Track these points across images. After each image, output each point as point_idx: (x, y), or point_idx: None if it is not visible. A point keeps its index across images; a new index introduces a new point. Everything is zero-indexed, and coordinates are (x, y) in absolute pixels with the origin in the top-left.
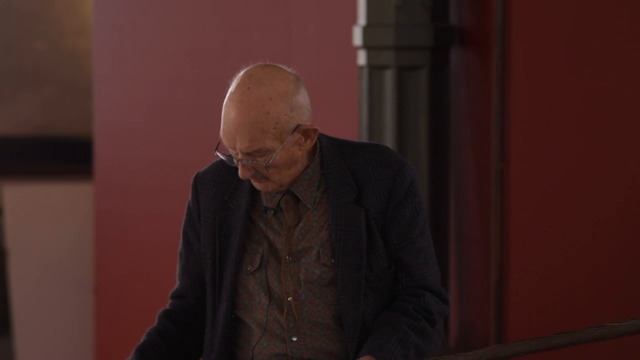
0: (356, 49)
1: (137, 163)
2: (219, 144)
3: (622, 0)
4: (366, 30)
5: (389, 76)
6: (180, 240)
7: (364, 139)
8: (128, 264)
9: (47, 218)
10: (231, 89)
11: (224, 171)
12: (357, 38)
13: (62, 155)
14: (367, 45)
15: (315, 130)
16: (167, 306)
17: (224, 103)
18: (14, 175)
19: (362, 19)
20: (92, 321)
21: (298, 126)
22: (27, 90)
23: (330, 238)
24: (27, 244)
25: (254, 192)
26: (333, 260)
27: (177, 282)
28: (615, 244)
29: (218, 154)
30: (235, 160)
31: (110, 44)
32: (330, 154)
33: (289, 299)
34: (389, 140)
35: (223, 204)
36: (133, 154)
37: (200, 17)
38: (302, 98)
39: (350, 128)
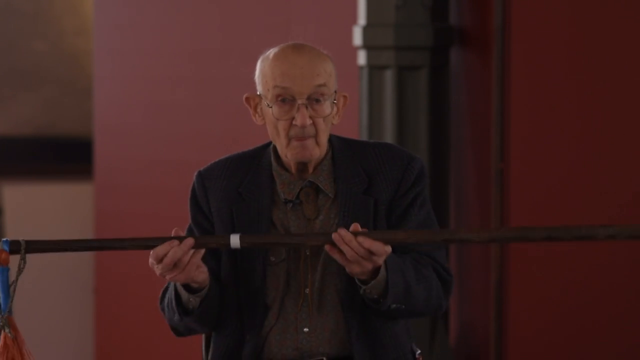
0: (356, 49)
1: (137, 163)
2: (268, 104)
3: (622, 0)
4: (366, 30)
5: (389, 76)
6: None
7: (364, 139)
8: (128, 264)
9: (47, 218)
10: (273, 50)
11: (233, 166)
12: (357, 38)
13: (62, 155)
14: (367, 45)
15: (346, 98)
16: None
17: (271, 60)
18: (14, 175)
19: (362, 19)
20: (92, 321)
21: (335, 91)
22: (27, 90)
23: (338, 224)
24: None
25: (272, 186)
26: None
27: None
28: (615, 243)
29: (268, 104)
30: (291, 111)
31: (110, 44)
32: (340, 147)
33: (306, 290)
34: (388, 140)
35: (237, 195)
36: (133, 154)
37: (200, 17)
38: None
39: (350, 128)
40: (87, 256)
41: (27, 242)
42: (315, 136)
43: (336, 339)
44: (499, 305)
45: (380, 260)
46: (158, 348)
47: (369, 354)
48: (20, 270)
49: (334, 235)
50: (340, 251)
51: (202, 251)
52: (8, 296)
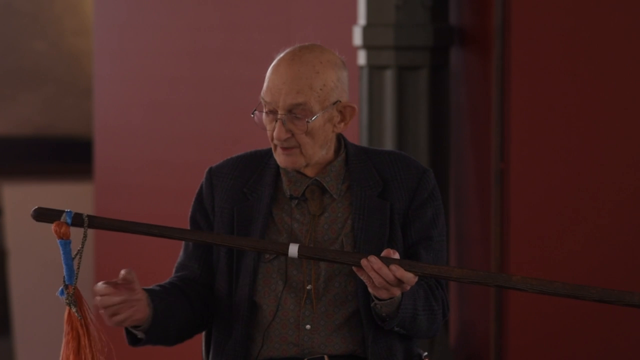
0: (356, 49)
1: (137, 163)
2: (255, 109)
3: (622, 0)
4: (366, 30)
5: (389, 76)
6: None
7: (364, 139)
8: (128, 264)
9: None
10: (279, 56)
11: (242, 166)
12: (357, 38)
13: (62, 155)
14: (367, 45)
15: (353, 109)
16: (174, 278)
17: (271, 68)
18: (14, 175)
19: (362, 19)
20: None
21: (338, 101)
22: (27, 90)
23: (353, 228)
24: (27, 244)
25: (276, 184)
26: (355, 249)
27: (180, 270)
28: (615, 243)
29: (255, 114)
30: (273, 122)
31: (110, 44)
32: (355, 152)
33: (308, 287)
34: (389, 140)
35: (241, 195)
36: (133, 154)
37: (200, 17)
38: (346, 78)
39: (351, 128)
40: (86, 256)
41: (90, 217)
42: (300, 147)
43: (339, 337)
44: (499, 305)
45: (408, 288)
46: (158, 348)
47: (384, 356)
48: (83, 243)
49: (363, 262)
50: (368, 275)
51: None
52: (72, 269)
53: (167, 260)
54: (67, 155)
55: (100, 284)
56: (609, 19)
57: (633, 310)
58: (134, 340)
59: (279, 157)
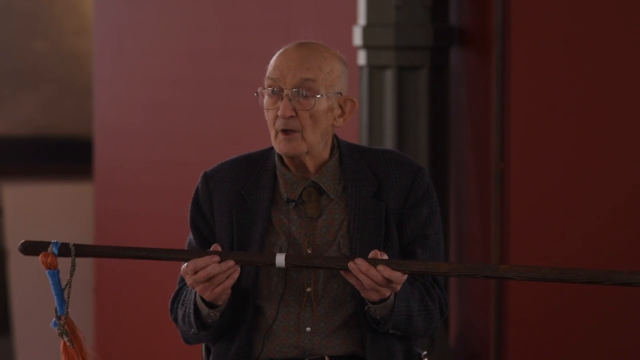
0: (356, 49)
1: (137, 163)
2: (258, 93)
3: (622, 0)
4: (366, 30)
5: (389, 76)
6: (191, 236)
7: (364, 139)
8: (128, 264)
9: (47, 218)
10: (283, 48)
11: (238, 169)
12: (357, 38)
13: (62, 155)
14: (367, 45)
15: (354, 103)
16: None
17: (276, 55)
18: (14, 175)
19: (362, 19)
20: (92, 321)
21: (340, 93)
22: (27, 90)
23: (349, 229)
24: None
25: (274, 187)
26: (351, 251)
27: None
28: (615, 243)
29: (258, 91)
30: (277, 102)
31: (110, 44)
32: (349, 151)
33: (307, 289)
34: (389, 140)
35: (239, 198)
36: (133, 154)
37: (200, 17)
38: (347, 75)
39: (351, 128)
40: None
41: (76, 246)
42: (302, 131)
43: (338, 338)
44: (499, 305)
45: (398, 287)
46: (158, 348)
47: (383, 356)
48: (71, 273)
49: (350, 265)
50: (356, 277)
51: (237, 276)
52: (62, 298)
53: (166, 261)
54: (67, 155)
55: (197, 259)
56: (609, 19)
57: (635, 311)
58: (203, 326)
59: (280, 144)
